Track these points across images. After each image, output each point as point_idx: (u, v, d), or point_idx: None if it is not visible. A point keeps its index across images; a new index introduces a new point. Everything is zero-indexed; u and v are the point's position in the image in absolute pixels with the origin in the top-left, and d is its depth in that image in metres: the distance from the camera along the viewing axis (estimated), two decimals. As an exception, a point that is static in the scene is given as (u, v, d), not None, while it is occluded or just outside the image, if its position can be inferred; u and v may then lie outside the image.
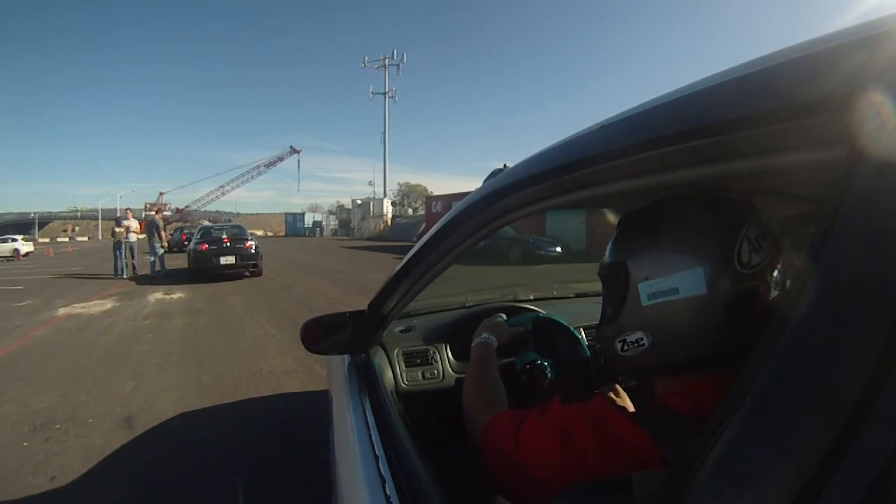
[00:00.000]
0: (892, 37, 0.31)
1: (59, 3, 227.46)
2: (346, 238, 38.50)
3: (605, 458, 0.55)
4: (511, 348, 1.22)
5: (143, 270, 11.25)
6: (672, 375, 0.62)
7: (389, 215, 38.00)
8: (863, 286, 0.28)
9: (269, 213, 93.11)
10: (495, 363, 0.98)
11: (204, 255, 10.41)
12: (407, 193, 61.63)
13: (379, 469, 0.82)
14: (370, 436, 0.94)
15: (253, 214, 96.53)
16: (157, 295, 8.50)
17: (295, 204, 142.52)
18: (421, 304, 1.77)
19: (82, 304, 7.68)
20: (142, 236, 11.43)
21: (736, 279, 0.54)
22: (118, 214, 11.88)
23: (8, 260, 22.21)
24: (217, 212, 69.28)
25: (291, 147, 57.51)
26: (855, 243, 0.29)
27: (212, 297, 8.14)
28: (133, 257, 11.54)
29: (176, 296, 8.41)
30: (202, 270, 10.40)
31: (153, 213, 11.93)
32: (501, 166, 0.84)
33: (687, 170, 0.47)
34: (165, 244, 10.95)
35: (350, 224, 41.65)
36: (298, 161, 56.84)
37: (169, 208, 59.72)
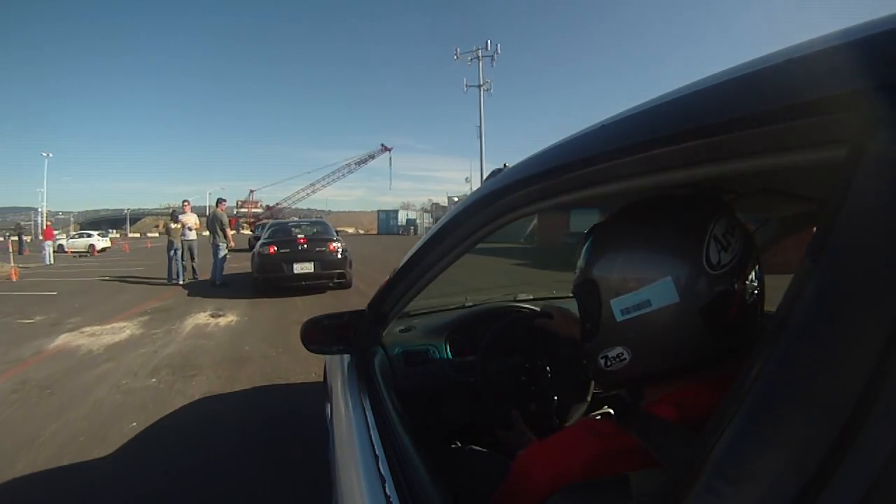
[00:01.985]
0: (893, 37, 0.30)
1: (160, 6, 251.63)
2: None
3: (596, 459, 0.54)
4: (513, 348, 1.24)
5: (206, 274, 8.82)
6: (658, 384, 0.60)
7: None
8: (863, 286, 0.28)
9: (360, 211, 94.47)
10: None
11: (271, 262, 7.38)
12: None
13: (379, 469, 0.81)
14: (370, 435, 0.93)
15: (344, 212, 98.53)
16: (199, 317, 6.08)
17: (386, 202, 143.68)
18: (421, 304, 1.75)
19: (94, 329, 5.63)
20: (204, 233, 8.99)
21: (708, 282, 0.53)
22: (177, 209, 9.28)
23: (81, 255, 21.60)
24: (308, 209, 70.21)
25: (383, 145, 56.08)
26: (855, 243, 0.29)
27: (273, 327, 5.47)
28: (193, 258, 9.20)
29: (224, 321, 5.79)
30: (269, 281, 7.44)
31: (218, 207, 9.29)
32: (502, 166, 0.82)
33: (687, 170, 0.45)
34: (232, 243, 8.30)
35: (446, 222, 38.73)
36: (390, 158, 55.10)
37: (260, 205, 61.12)
